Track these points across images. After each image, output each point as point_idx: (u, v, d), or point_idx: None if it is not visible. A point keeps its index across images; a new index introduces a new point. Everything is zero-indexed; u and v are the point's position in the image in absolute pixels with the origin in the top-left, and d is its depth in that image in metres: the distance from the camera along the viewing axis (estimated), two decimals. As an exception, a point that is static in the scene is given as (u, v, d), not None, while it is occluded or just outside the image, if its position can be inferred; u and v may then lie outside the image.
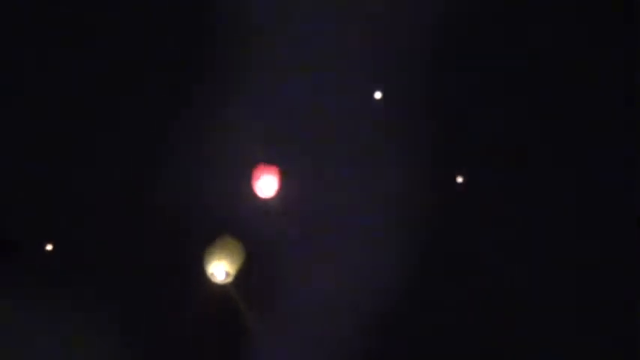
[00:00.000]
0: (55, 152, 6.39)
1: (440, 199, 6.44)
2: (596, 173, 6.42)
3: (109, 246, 6.24)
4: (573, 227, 6.38)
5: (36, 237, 6.23)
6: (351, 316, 6.25)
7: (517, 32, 6.58)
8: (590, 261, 6.30)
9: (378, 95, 6.28)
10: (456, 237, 6.39)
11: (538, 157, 6.49)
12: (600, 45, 6.52)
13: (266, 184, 6.19)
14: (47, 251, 6.18)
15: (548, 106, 6.54)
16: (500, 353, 6.18)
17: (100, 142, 6.43)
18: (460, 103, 6.56)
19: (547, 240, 6.36)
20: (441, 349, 6.20)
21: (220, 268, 5.76)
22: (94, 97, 6.48)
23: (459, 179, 6.35)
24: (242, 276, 5.97)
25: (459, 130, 6.53)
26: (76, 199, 6.34)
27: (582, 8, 6.54)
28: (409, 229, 6.39)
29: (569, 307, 6.23)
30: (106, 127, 6.46)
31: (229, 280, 5.82)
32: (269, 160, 6.29)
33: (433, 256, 6.34)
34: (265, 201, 6.27)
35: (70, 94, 6.46)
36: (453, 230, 6.40)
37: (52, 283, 6.14)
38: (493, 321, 6.23)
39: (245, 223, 6.25)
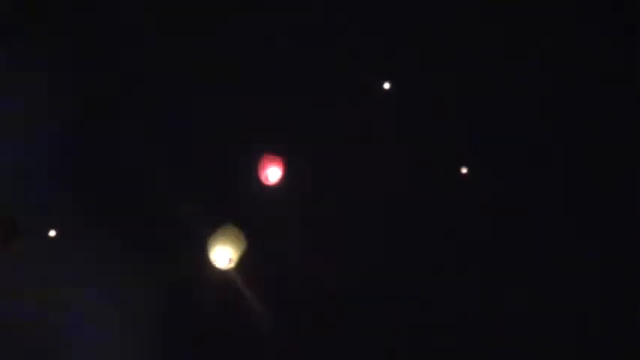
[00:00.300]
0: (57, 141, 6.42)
1: (439, 197, 6.45)
2: (597, 173, 6.42)
3: (113, 232, 6.28)
4: (573, 227, 6.38)
5: (39, 223, 6.28)
6: (348, 302, 6.28)
7: (518, 32, 6.58)
8: (590, 261, 6.30)
9: (386, 86, 6.31)
10: (455, 236, 6.40)
11: (538, 157, 6.49)
12: (601, 45, 6.52)
13: (270, 173, 6.28)
14: (50, 237, 6.24)
15: (549, 106, 6.55)
16: (500, 353, 6.18)
17: (102, 129, 6.46)
18: (460, 103, 6.58)
19: (547, 240, 6.36)
20: (441, 349, 6.21)
21: (223, 255, 5.85)
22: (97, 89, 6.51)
23: (464, 170, 6.36)
24: (244, 262, 6.06)
25: (459, 129, 6.54)
26: (78, 187, 6.37)
27: (582, 8, 6.55)
28: (409, 221, 6.41)
29: (569, 307, 6.23)
30: (110, 114, 6.49)
31: (231, 265, 5.90)
32: (273, 149, 6.35)
33: (432, 255, 6.35)
34: (269, 188, 6.34)
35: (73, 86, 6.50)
36: (451, 229, 6.41)
37: (54, 270, 6.19)
38: (493, 321, 6.23)
39: (248, 210, 6.32)
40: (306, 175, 6.43)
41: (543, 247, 6.35)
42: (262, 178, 6.30)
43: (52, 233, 6.22)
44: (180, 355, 6.19)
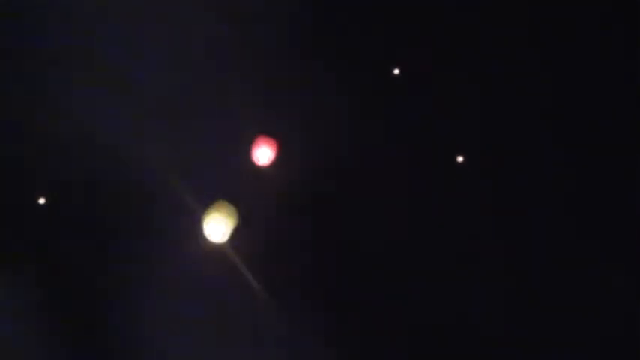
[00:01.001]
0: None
1: (439, 197, 6.45)
2: (597, 173, 6.42)
3: (109, 207, 6.31)
4: (573, 227, 6.38)
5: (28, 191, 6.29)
6: (348, 302, 6.29)
7: (518, 32, 6.59)
8: (590, 261, 6.30)
9: (396, 71, 6.33)
10: (455, 236, 6.39)
11: (538, 157, 6.50)
12: (601, 44, 6.52)
13: (262, 153, 6.36)
14: (39, 205, 6.25)
15: (549, 105, 6.55)
16: (500, 353, 6.18)
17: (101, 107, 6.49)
18: (460, 103, 6.58)
19: (547, 240, 6.36)
20: (441, 349, 6.20)
21: (217, 229, 6.06)
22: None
23: (460, 159, 6.35)
24: (237, 236, 6.18)
25: (459, 129, 6.54)
26: (71, 162, 6.39)
27: (583, 8, 6.55)
28: (408, 221, 6.41)
29: (569, 307, 6.23)
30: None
31: (225, 239, 6.10)
32: (266, 130, 6.39)
33: (432, 255, 6.35)
34: (261, 168, 6.39)
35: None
36: (451, 229, 6.40)
37: (44, 240, 6.22)
38: (493, 321, 6.23)
39: (242, 189, 6.35)
40: (300, 150, 6.47)
41: (543, 247, 6.35)
42: (254, 158, 6.39)
43: (42, 201, 6.24)
44: (176, 327, 6.24)
